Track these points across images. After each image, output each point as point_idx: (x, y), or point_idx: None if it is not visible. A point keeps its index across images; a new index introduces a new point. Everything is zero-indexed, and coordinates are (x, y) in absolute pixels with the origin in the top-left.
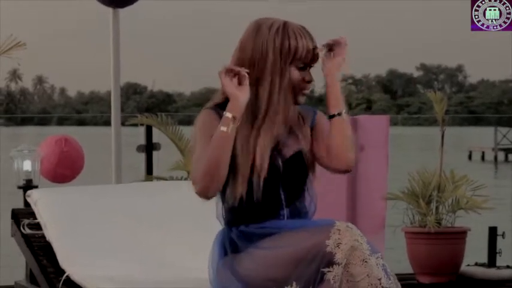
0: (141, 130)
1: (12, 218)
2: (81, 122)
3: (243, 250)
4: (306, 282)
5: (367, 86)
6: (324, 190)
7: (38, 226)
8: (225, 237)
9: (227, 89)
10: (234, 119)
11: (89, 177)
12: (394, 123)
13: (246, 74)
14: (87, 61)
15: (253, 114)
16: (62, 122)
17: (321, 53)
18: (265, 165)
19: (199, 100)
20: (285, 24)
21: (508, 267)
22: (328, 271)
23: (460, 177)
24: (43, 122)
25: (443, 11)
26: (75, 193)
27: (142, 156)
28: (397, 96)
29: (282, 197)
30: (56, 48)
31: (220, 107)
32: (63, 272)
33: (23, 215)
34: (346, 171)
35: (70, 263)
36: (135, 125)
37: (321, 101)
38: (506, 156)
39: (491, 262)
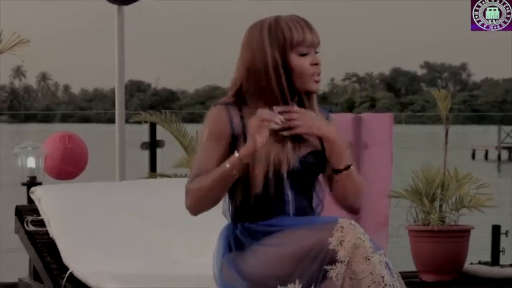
0: (145, 127)
1: (16, 214)
2: (85, 119)
3: (247, 247)
4: (309, 280)
5: (371, 84)
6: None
7: (41, 223)
8: (230, 233)
9: (250, 130)
10: (241, 161)
11: (92, 174)
12: (397, 121)
13: (279, 122)
14: (91, 58)
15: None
16: (65, 119)
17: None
18: (286, 163)
19: (202, 98)
20: (276, 19)
21: (511, 265)
22: (331, 269)
23: (464, 175)
24: (47, 119)
25: (445, 11)
26: (79, 190)
27: (146, 153)
28: (400, 94)
29: (289, 195)
30: (60, 45)
31: (233, 103)
32: (67, 268)
33: (26, 212)
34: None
35: (74, 259)
36: (139, 122)
37: (324, 99)
38: (510, 155)
39: (495, 260)
